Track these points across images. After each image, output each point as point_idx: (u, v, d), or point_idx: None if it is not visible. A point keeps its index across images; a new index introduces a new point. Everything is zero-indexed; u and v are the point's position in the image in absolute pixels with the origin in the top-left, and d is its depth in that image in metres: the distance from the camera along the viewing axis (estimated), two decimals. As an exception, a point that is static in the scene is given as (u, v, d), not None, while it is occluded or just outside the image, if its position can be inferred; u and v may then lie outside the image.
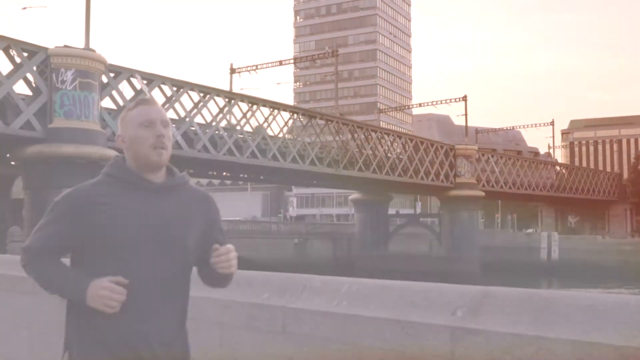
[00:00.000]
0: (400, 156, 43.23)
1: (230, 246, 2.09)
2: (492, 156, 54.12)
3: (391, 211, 63.73)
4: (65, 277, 2.05)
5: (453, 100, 50.56)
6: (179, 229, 2.08)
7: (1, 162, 25.28)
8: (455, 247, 46.51)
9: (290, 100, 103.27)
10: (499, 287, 2.43)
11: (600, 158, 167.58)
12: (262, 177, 41.01)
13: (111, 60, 24.67)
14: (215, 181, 71.46)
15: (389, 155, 41.85)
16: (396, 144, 43.48)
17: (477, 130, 74.18)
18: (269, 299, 2.86)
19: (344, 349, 2.55)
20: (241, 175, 40.95)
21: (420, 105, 67.78)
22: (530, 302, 2.23)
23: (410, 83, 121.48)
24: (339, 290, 2.71)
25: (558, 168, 62.85)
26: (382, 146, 41.24)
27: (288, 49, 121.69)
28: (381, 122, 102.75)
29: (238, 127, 30.82)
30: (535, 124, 72.94)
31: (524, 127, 76.67)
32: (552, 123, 66.56)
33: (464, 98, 49.23)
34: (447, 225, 47.53)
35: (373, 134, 41.15)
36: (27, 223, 22.62)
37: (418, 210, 74.38)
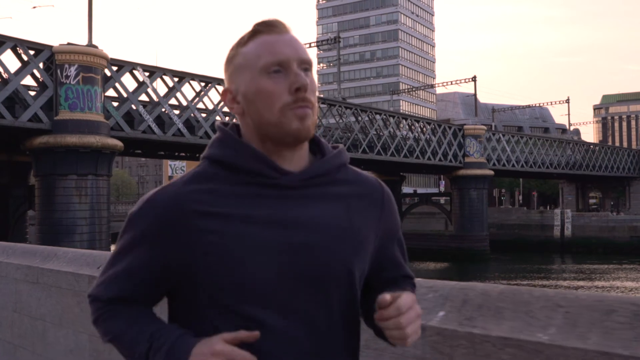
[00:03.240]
0: (407, 137, 44.30)
1: (407, 297, 1.24)
2: (504, 135, 54.67)
3: (409, 190, 64.92)
4: (151, 341, 1.27)
5: (463, 81, 51.16)
6: (341, 251, 1.29)
7: (17, 152, 27.23)
8: (465, 225, 47.51)
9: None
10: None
11: (633, 133, 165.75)
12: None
13: (121, 53, 26.40)
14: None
15: (395, 136, 42.94)
16: (402, 126, 44.47)
17: (494, 109, 74.46)
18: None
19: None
20: None
21: (434, 85, 68.24)
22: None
23: (434, 62, 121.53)
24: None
25: (571, 146, 63.00)
26: (387, 128, 42.38)
27: (311, 31, 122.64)
28: (404, 102, 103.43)
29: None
30: (559, 101, 72.96)
31: (551, 104, 76.71)
32: (568, 100, 66.71)
33: (474, 78, 49.83)
34: (457, 204, 48.49)
35: (377, 116, 42.29)
36: (39, 207, 24.56)
37: (442, 189, 75.17)
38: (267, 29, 1.28)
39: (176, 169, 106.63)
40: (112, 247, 1.43)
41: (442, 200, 59.51)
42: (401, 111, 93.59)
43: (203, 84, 30.31)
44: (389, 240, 1.42)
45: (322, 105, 37.05)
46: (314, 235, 1.26)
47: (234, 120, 1.41)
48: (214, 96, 31.31)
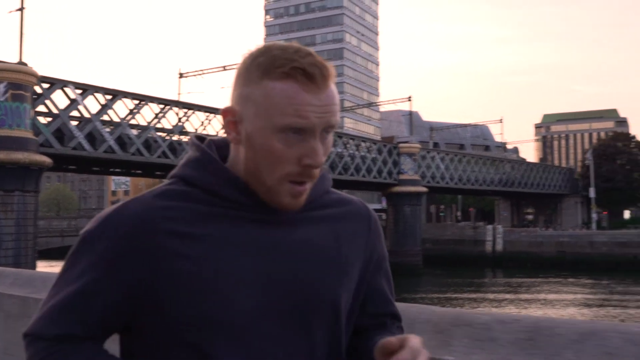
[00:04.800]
0: (342, 155, 45.57)
1: (415, 339, 1.05)
2: (439, 153, 56.53)
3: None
4: None
5: (399, 101, 52.95)
6: (326, 283, 1.15)
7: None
8: (399, 240, 48.90)
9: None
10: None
11: (571, 151, 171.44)
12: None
13: (55, 70, 26.82)
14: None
15: (330, 153, 44.11)
16: (337, 143, 45.74)
17: (432, 127, 76.68)
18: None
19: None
20: None
21: (378, 103, 70.00)
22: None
23: (378, 80, 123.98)
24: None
25: (504, 164, 65.53)
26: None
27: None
28: (348, 119, 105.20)
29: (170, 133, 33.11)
30: (495, 120, 75.47)
31: (492, 123, 79.38)
32: (501, 120, 69.47)
33: (409, 98, 51.66)
34: (392, 220, 49.87)
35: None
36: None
37: (384, 206, 76.74)
38: (305, 79, 1.06)
39: (120, 184, 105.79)
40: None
41: (384, 215, 61.05)
42: (345, 128, 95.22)
43: (136, 101, 30.91)
44: (376, 269, 1.27)
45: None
46: (297, 264, 1.12)
47: (214, 136, 1.24)
48: (146, 113, 31.98)
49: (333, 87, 1.10)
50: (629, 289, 39.69)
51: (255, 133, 1.09)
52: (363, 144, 47.71)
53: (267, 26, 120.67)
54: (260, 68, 1.08)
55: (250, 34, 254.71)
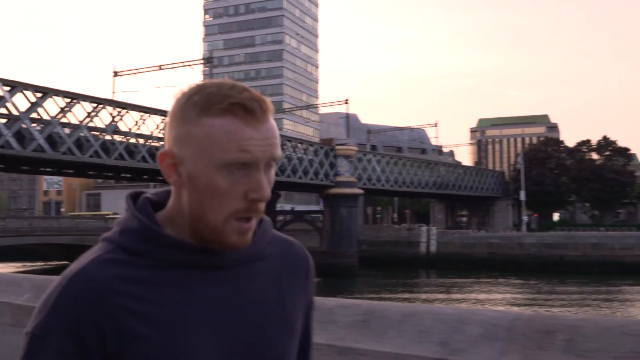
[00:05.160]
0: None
1: None
2: (375, 155, 57.37)
3: (287, 207, 66.43)
4: None
5: (336, 103, 53.54)
6: (278, 343, 1.14)
7: None
8: (335, 242, 49.35)
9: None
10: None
11: (505, 155, 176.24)
12: (130, 176, 42.50)
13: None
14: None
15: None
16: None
17: (369, 130, 77.76)
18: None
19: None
20: (104, 174, 42.41)
21: (317, 105, 70.47)
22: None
23: (317, 82, 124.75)
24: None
25: (442, 167, 67.02)
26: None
27: (197, 48, 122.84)
28: (287, 121, 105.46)
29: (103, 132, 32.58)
30: (431, 124, 77.08)
31: (429, 126, 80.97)
32: (436, 124, 71.15)
33: (346, 101, 52.29)
34: (328, 221, 50.30)
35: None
36: None
37: (322, 207, 77.24)
38: (244, 114, 1.04)
39: (52, 183, 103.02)
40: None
41: (321, 217, 61.47)
42: (284, 130, 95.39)
43: (68, 99, 30.32)
44: (309, 314, 1.25)
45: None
46: (251, 325, 1.10)
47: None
48: (78, 112, 31.40)
49: (272, 121, 1.08)
50: (554, 288, 41.14)
51: (197, 173, 1.05)
52: (300, 146, 48.00)
53: (206, 26, 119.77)
54: (197, 107, 1.05)
55: (188, 33, 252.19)
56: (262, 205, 1.07)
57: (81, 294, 1.01)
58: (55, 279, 1.06)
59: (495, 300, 35.69)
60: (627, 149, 75.97)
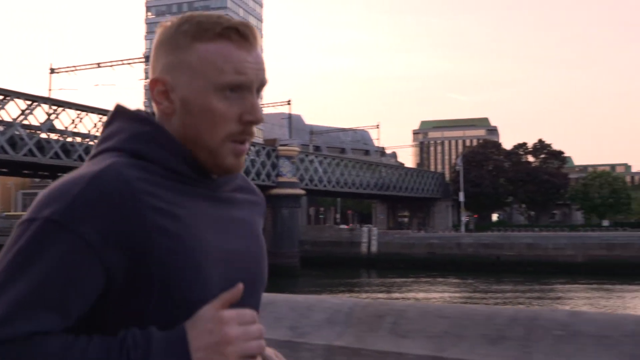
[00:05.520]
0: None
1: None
2: (317, 157, 57.71)
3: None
4: (124, 350, 0.95)
5: (278, 104, 53.58)
6: (264, 258, 1.22)
7: None
8: (277, 242, 49.46)
9: (142, 97, 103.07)
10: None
11: (446, 157, 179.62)
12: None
13: None
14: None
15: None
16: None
17: (312, 131, 78.13)
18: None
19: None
20: (40, 173, 41.59)
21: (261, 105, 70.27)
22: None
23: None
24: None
25: (384, 169, 67.90)
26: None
27: (140, 45, 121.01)
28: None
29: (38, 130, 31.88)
30: (373, 126, 77.90)
31: (371, 128, 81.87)
32: (378, 126, 72.03)
33: (289, 102, 52.42)
34: (270, 221, 50.33)
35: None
36: None
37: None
38: (238, 39, 1.07)
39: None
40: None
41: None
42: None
43: (0, 97, 29.55)
44: None
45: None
46: (244, 240, 1.14)
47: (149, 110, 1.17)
48: (12, 109, 30.61)
49: (260, 48, 1.12)
50: (490, 287, 42.22)
51: (192, 97, 1.08)
52: (242, 146, 47.89)
53: (149, 23, 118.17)
54: (189, 34, 1.08)
55: (129, 31, 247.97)
56: (254, 130, 1.12)
57: (114, 190, 0.99)
58: (67, 176, 1.03)
59: (434, 300, 36.34)
60: (561, 152, 78.50)
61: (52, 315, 0.94)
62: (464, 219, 66.56)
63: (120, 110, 1.13)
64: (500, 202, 78.48)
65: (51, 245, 0.95)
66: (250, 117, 1.09)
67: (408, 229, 73.39)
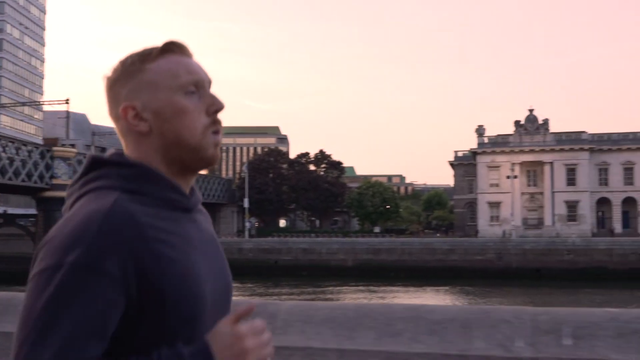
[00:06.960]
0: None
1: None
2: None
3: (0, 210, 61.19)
4: None
5: (56, 102, 50.91)
6: (227, 266, 1.33)
7: None
8: (49, 247, 46.79)
9: None
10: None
11: (237, 164, 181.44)
12: None
13: None
14: None
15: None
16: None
17: (94, 132, 75.23)
18: None
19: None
20: None
21: (30, 103, 66.07)
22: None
23: (43, 78, 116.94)
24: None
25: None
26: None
27: None
28: (5, 117, 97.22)
29: None
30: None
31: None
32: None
33: (67, 100, 50.03)
34: (42, 225, 47.60)
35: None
36: None
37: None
38: (179, 49, 1.25)
39: None
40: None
41: (27, 221, 57.61)
42: (2, 126, 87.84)
43: None
44: None
45: None
46: (217, 258, 1.27)
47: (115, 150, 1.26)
48: None
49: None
50: (268, 290, 43.64)
51: (162, 105, 1.20)
52: (11, 145, 44.80)
53: None
54: (136, 62, 1.23)
55: None
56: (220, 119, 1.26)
57: (124, 227, 1.10)
58: (75, 217, 1.12)
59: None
60: (340, 163, 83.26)
61: (99, 342, 1.07)
62: (247, 224, 67.86)
63: (98, 160, 1.23)
64: (283, 209, 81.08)
65: (85, 288, 1.06)
66: (215, 106, 1.24)
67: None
